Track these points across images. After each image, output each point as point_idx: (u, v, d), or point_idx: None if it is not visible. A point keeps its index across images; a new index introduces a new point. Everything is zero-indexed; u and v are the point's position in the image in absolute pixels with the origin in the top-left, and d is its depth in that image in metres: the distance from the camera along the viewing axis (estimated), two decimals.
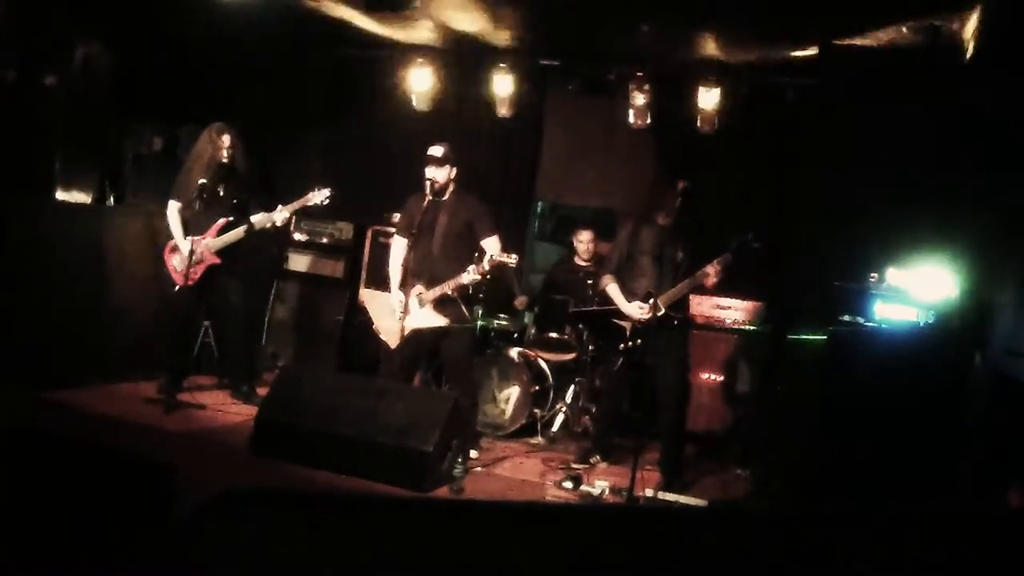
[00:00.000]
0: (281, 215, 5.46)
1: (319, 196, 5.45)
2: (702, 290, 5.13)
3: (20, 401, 4.67)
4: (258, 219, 5.50)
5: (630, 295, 4.92)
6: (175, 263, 5.39)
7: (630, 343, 4.78)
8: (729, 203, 6.37)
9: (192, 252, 5.30)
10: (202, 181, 5.26)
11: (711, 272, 4.68)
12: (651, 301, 4.71)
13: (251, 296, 5.85)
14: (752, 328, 5.99)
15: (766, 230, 4.93)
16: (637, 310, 4.84)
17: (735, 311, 6.02)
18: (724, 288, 5.23)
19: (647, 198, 5.14)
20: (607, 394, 5.43)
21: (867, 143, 5.64)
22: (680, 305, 4.93)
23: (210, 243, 5.41)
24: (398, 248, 5.11)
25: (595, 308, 5.48)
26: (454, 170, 4.97)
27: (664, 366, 4.92)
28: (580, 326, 5.96)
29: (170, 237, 5.47)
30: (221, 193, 5.45)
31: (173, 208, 5.46)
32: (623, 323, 4.89)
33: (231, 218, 5.47)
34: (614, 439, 5.40)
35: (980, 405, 4.21)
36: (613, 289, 5.02)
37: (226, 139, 5.40)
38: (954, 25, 4.87)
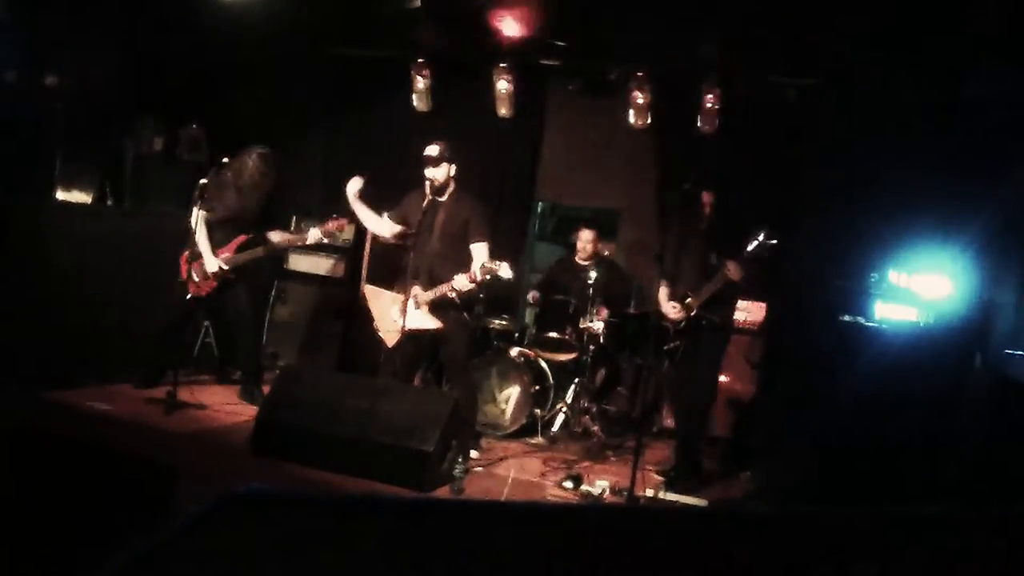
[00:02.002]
0: (314, 234, 5.53)
1: (337, 224, 5.52)
2: (736, 289, 5.01)
3: (20, 401, 4.67)
4: (282, 238, 5.52)
5: (677, 298, 4.97)
6: (192, 273, 5.40)
7: (672, 344, 4.84)
8: (729, 203, 6.37)
9: (211, 267, 5.33)
10: (203, 181, 5.26)
11: (731, 269, 4.69)
12: (686, 301, 4.83)
13: (252, 297, 5.86)
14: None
15: (764, 229, 4.94)
16: (672, 310, 4.93)
17: (736, 311, 6.02)
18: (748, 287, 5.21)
19: (684, 207, 5.14)
20: (681, 407, 5.27)
21: (867, 143, 5.64)
22: (718, 308, 4.90)
23: (228, 259, 5.45)
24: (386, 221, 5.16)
25: (635, 311, 5.58)
26: (453, 167, 4.98)
27: (694, 367, 4.94)
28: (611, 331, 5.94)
29: (178, 241, 5.47)
30: (244, 208, 5.47)
31: (200, 218, 5.46)
32: (667, 324, 4.96)
33: (251, 235, 5.49)
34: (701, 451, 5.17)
35: (980, 405, 4.22)
36: (661, 292, 5.10)
37: (273, 163, 5.45)
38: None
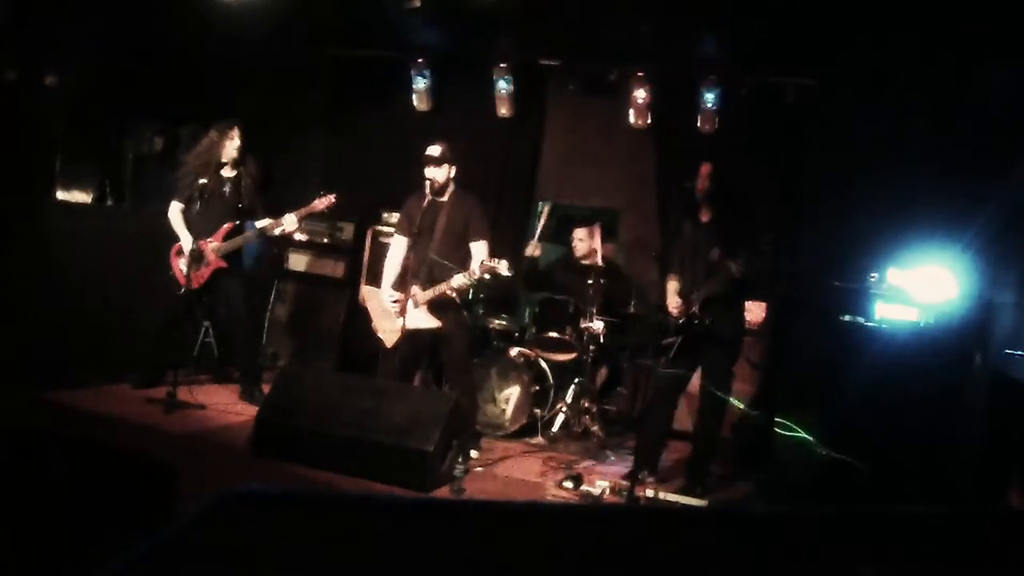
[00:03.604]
0: (290, 223, 5.48)
1: (325, 202, 5.47)
2: (741, 289, 4.90)
3: (20, 401, 4.67)
4: (266, 224, 5.51)
5: (682, 296, 4.92)
6: (181, 265, 5.39)
7: (669, 340, 4.79)
8: (730, 202, 6.35)
9: (198, 256, 5.31)
10: (203, 181, 5.27)
11: (732, 266, 4.61)
12: (689, 298, 4.78)
13: (251, 296, 5.86)
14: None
15: (764, 229, 4.91)
16: (674, 307, 4.90)
17: None
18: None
19: (685, 195, 5.09)
20: (654, 404, 5.15)
21: (867, 142, 5.64)
22: (722, 311, 4.78)
23: (217, 247, 5.43)
24: (398, 246, 5.12)
25: (635, 311, 5.58)
26: (453, 168, 4.98)
27: (705, 371, 4.89)
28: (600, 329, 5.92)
29: (175, 239, 5.47)
30: (226, 195, 5.46)
31: (176, 209, 5.47)
32: (667, 320, 4.93)
33: (237, 222, 5.48)
34: (662, 452, 5.09)
35: (980, 405, 4.21)
36: (670, 287, 5.05)
37: (235, 134, 5.41)
38: None
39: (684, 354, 4.83)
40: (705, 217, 4.92)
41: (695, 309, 4.77)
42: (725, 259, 4.66)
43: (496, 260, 4.71)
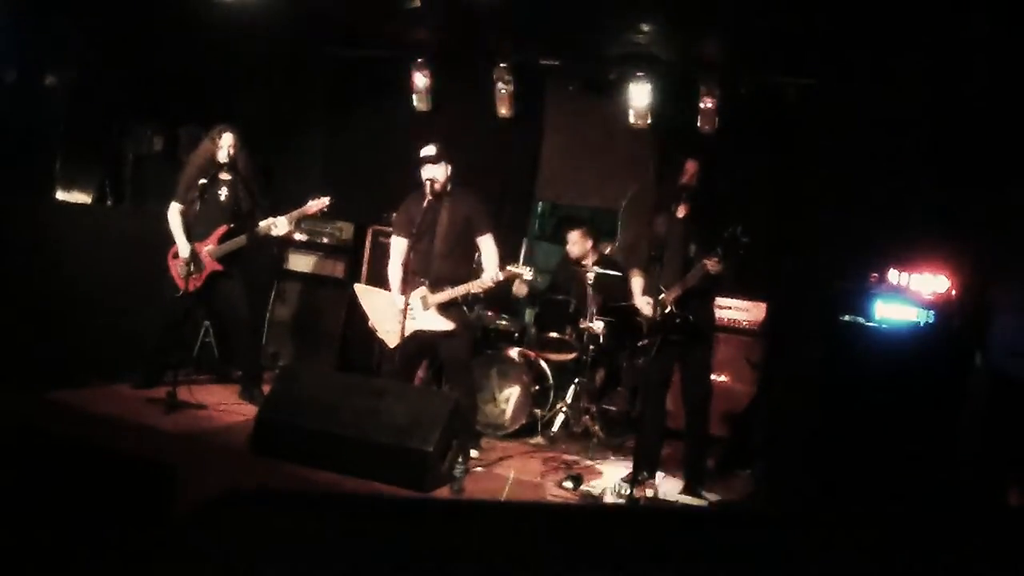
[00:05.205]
0: (282, 225, 5.48)
1: (318, 204, 5.47)
2: (713, 285, 4.85)
3: (20, 401, 4.67)
4: (260, 226, 5.52)
5: (654, 291, 4.87)
6: (179, 269, 5.39)
7: (646, 341, 4.76)
8: (728, 204, 6.36)
9: (194, 259, 5.32)
10: (203, 181, 5.28)
11: (710, 263, 4.53)
12: (659, 297, 4.70)
13: (251, 296, 5.86)
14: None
15: (764, 229, 4.90)
16: (646, 305, 4.83)
17: (735, 311, 6.03)
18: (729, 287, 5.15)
19: (664, 186, 5.06)
20: (646, 405, 5.07)
21: (867, 142, 5.64)
22: (695, 306, 4.75)
23: (212, 251, 5.43)
24: (398, 248, 5.10)
25: (622, 304, 5.50)
26: (449, 167, 4.98)
27: (685, 368, 4.87)
28: (598, 325, 5.87)
29: (173, 241, 5.47)
30: (222, 198, 5.47)
31: (175, 211, 5.48)
32: (640, 320, 4.88)
33: (232, 224, 5.48)
34: (661, 452, 5.01)
35: (980, 405, 4.22)
36: (636, 283, 5.00)
37: (227, 138, 5.42)
38: None
39: (664, 352, 4.78)
40: (682, 212, 4.87)
41: (670, 308, 4.71)
42: (702, 255, 4.60)
43: (522, 268, 4.72)
